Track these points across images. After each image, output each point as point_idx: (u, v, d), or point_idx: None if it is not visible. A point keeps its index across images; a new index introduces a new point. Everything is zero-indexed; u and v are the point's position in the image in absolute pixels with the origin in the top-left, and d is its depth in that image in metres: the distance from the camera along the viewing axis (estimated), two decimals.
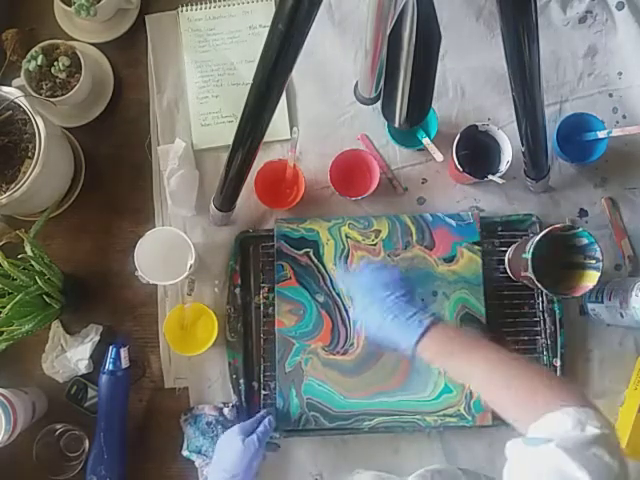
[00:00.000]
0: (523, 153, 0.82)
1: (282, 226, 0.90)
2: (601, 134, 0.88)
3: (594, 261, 0.78)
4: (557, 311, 0.89)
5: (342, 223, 0.90)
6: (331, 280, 0.89)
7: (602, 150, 0.89)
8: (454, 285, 0.88)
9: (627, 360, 0.89)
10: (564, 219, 0.92)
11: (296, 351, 0.87)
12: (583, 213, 0.93)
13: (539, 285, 0.77)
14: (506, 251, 0.90)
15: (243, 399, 0.88)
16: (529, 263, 0.77)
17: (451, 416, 0.85)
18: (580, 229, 0.78)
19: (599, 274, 0.77)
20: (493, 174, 0.86)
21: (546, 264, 0.83)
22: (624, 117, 0.95)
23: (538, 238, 0.78)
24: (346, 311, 0.88)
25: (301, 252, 0.89)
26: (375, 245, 0.89)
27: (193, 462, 0.86)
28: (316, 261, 0.89)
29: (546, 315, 0.89)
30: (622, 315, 0.82)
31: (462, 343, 0.66)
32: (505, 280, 0.90)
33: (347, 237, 0.90)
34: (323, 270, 0.89)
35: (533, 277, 0.77)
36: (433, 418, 0.86)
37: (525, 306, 0.90)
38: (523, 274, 0.81)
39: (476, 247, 0.89)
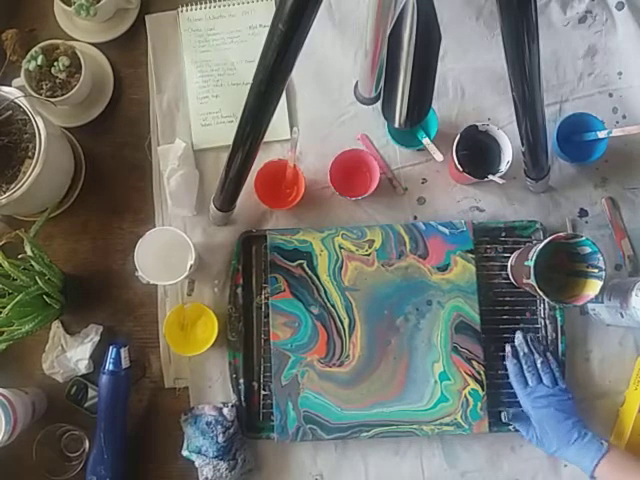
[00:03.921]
0: (523, 153, 0.82)
1: (275, 238, 0.89)
2: (601, 134, 0.88)
3: (596, 270, 0.78)
4: (559, 318, 0.89)
5: (335, 234, 0.90)
6: (325, 292, 0.88)
7: (602, 150, 0.89)
8: (448, 294, 0.88)
9: (627, 360, 0.89)
10: (564, 219, 0.92)
11: (292, 364, 0.87)
12: (583, 213, 0.93)
13: (541, 293, 0.77)
14: (509, 257, 0.90)
15: (243, 399, 0.88)
16: (531, 271, 0.77)
17: (448, 425, 0.85)
18: (583, 238, 0.78)
19: (601, 283, 0.77)
20: (493, 174, 0.86)
21: (549, 271, 0.83)
22: (624, 117, 0.95)
23: (541, 246, 0.77)
24: (341, 322, 0.88)
25: (295, 264, 0.89)
26: (369, 255, 0.89)
27: (193, 462, 0.86)
28: (310, 273, 0.89)
29: (548, 322, 0.89)
30: (622, 315, 0.82)
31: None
32: (507, 286, 0.90)
33: (341, 248, 0.89)
34: (317, 282, 0.88)
35: (535, 285, 0.77)
36: (430, 427, 0.86)
37: (527, 312, 0.90)
38: (525, 281, 0.81)
39: (470, 255, 0.88)
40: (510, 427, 0.86)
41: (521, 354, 0.86)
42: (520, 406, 0.85)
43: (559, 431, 0.80)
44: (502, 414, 0.85)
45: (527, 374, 0.84)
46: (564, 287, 0.83)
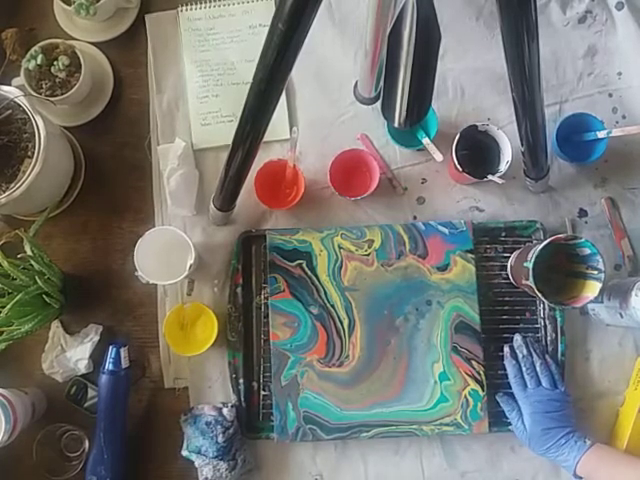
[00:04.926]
0: (523, 153, 0.82)
1: (274, 238, 0.89)
2: (601, 134, 0.88)
3: (596, 272, 0.78)
4: (559, 318, 0.88)
5: (335, 234, 0.90)
6: (325, 292, 0.88)
7: (602, 150, 0.89)
8: (448, 294, 0.88)
9: (627, 360, 0.89)
10: (564, 219, 0.92)
11: (292, 364, 0.87)
12: (583, 213, 0.93)
13: (539, 295, 0.77)
14: (509, 257, 0.90)
15: (242, 399, 0.88)
16: (530, 272, 0.77)
17: (448, 425, 0.85)
18: (583, 239, 0.78)
19: (600, 285, 0.77)
20: (493, 174, 0.86)
21: (548, 272, 0.83)
22: (624, 117, 0.95)
23: (540, 247, 0.77)
24: (341, 323, 0.88)
25: (294, 264, 0.89)
26: (368, 255, 0.89)
27: (193, 462, 0.86)
28: (309, 273, 0.88)
29: (547, 322, 0.89)
30: (622, 315, 0.82)
31: (625, 456, 0.80)
32: (507, 286, 0.90)
33: (340, 248, 0.89)
34: (317, 282, 0.88)
35: (534, 287, 0.77)
36: (430, 427, 0.86)
37: (527, 312, 0.90)
38: (524, 282, 0.81)
39: (469, 255, 0.88)
40: (510, 427, 0.86)
41: (520, 356, 0.86)
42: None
43: (550, 437, 0.80)
44: (497, 394, 0.86)
45: (526, 376, 0.84)
46: (563, 288, 0.83)
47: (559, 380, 0.84)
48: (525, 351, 0.86)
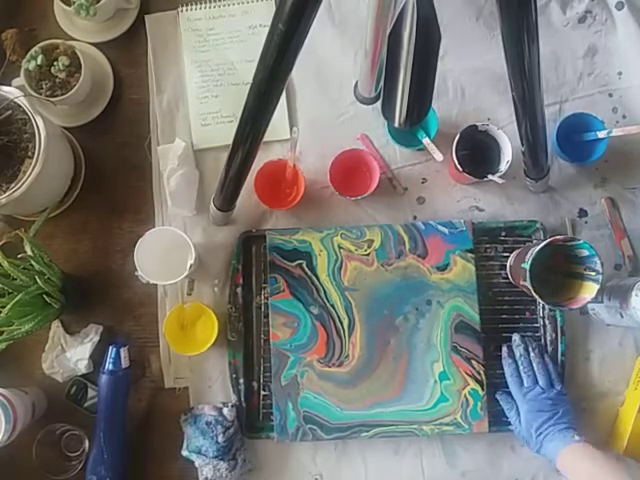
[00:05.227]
0: (523, 153, 0.82)
1: (274, 238, 0.89)
2: (601, 134, 0.88)
3: (594, 273, 0.78)
4: (559, 318, 0.88)
5: (334, 233, 0.90)
6: (325, 292, 0.88)
7: (602, 150, 0.89)
8: (448, 293, 0.88)
9: (627, 360, 0.89)
10: (564, 219, 0.92)
11: (291, 364, 0.87)
12: (583, 213, 0.93)
13: (536, 296, 0.77)
14: (509, 257, 0.90)
15: (242, 399, 0.88)
16: (527, 274, 0.77)
17: (448, 424, 0.86)
18: (581, 241, 0.78)
19: (598, 286, 0.77)
20: (493, 174, 0.86)
21: (546, 272, 0.83)
22: (624, 117, 0.95)
23: (537, 249, 0.77)
24: (341, 322, 0.88)
25: (294, 264, 0.89)
26: (368, 255, 0.89)
27: (193, 462, 0.86)
28: (309, 273, 0.89)
29: (547, 322, 0.89)
30: (622, 315, 0.82)
31: (605, 456, 0.75)
32: (507, 286, 0.90)
33: (340, 247, 0.89)
34: (317, 282, 0.88)
35: (531, 288, 0.77)
36: (430, 427, 0.86)
37: (527, 312, 0.90)
38: (522, 283, 0.81)
39: (469, 255, 0.88)
40: (510, 427, 0.86)
41: (517, 355, 0.86)
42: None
43: (544, 436, 0.80)
44: (497, 392, 0.87)
45: (523, 375, 0.84)
46: (561, 288, 0.83)
47: (556, 379, 0.84)
48: (523, 350, 0.86)
